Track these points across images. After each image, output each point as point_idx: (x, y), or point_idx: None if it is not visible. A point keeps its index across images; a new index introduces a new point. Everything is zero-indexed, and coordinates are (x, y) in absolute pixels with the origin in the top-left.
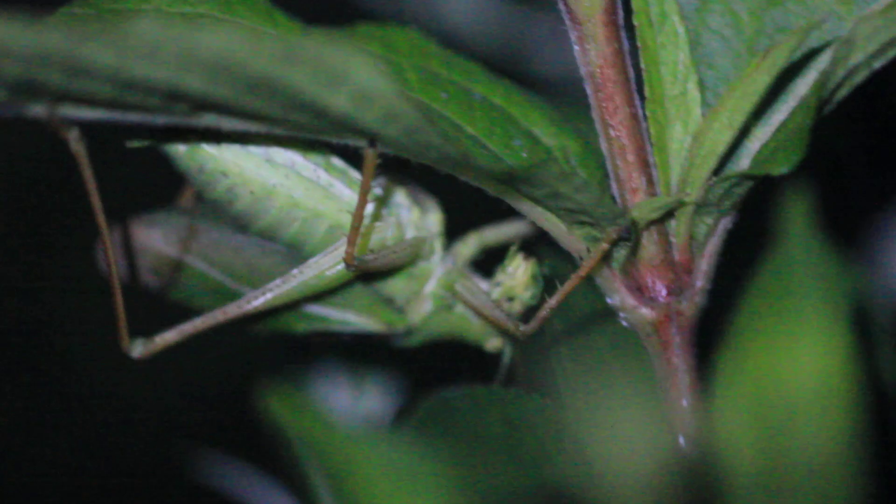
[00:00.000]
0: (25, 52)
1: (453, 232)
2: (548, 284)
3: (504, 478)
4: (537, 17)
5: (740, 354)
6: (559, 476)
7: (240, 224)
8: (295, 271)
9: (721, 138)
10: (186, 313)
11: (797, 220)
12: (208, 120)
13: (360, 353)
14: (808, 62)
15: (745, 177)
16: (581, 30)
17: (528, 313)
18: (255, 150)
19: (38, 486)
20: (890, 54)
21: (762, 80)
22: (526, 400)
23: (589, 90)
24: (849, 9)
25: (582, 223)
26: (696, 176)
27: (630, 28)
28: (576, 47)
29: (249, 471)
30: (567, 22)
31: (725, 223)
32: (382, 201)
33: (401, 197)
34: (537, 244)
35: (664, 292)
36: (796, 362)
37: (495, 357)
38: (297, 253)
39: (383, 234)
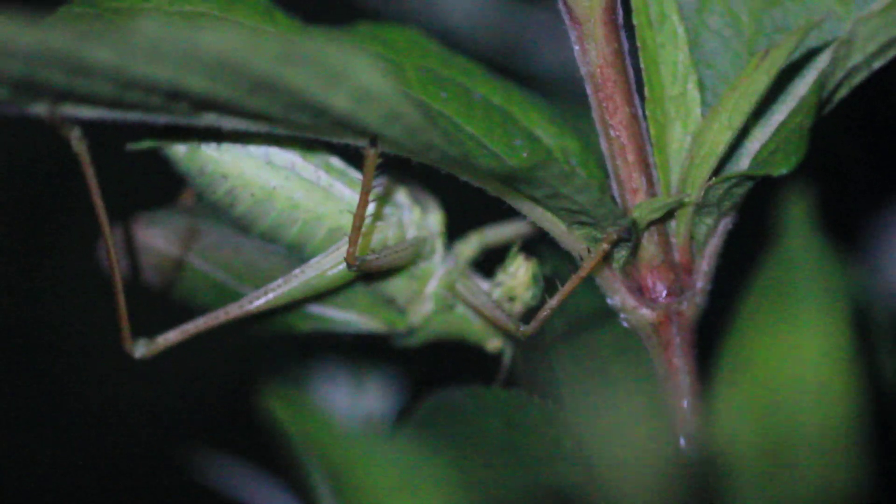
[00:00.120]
0: (28, 52)
1: (454, 232)
2: (548, 285)
3: (505, 478)
4: (536, 16)
5: (741, 355)
6: (560, 477)
7: (241, 227)
8: (297, 271)
9: (721, 138)
10: (188, 313)
11: (797, 221)
12: (209, 119)
13: (361, 352)
14: (808, 62)
15: (744, 177)
16: (581, 29)
17: (529, 313)
18: (255, 153)
19: (39, 487)
20: (889, 55)
21: (762, 80)
22: (527, 401)
23: (589, 90)
24: (847, 9)
25: (582, 223)
26: (695, 176)
27: (630, 28)
28: (576, 47)
29: (251, 471)
30: (567, 21)
31: (725, 223)
32: (384, 201)
33: (402, 197)
34: (538, 244)
35: (664, 293)
36: (797, 363)
37: (496, 357)
38: (298, 254)
39: (384, 234)
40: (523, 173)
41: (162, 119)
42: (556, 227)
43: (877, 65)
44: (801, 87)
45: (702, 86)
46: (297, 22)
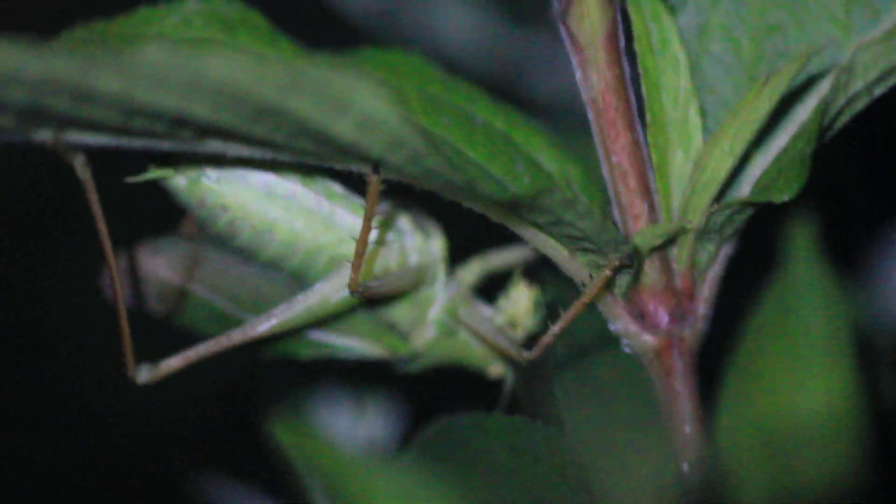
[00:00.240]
0: (33, 80)
1: (456, 257)
2: (550, 311)
3: None
4: (534, 40)
5: (745, 381)
6: (564, 502)
7: (243, 256)
8: (299, 297)
9: (722, 165)
10: (191, 338)
11: (801, 248)
12: (213, 146)
13: (362, 377)
14: (809, 88)
15: (746, 204)
16: (583, 55)
17: (531, 339)
18: (256, 183)
19: None
20: (890, 82)
21: (763, 106)
22: (531, 427)
23: (591, 115)
24: (848, 36)
25: (585, 250)
26: (697, 203)
27: (631, 53)
28: (577, 73)
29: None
30: (569, 47)
31: (727, 249)
32: (386, 227)
33: (404, 222)
34: (540, 270)
35: (666, 319)
36: (801, 388)
37: (497, 383)
38: (300, 280)
39: (387, 260)
40: (526, 200)
41: (166, 145)
42: (558, 253)
43: (878, 91)
44: (803, 112)
45: (703, 111)
46: (300, 47)
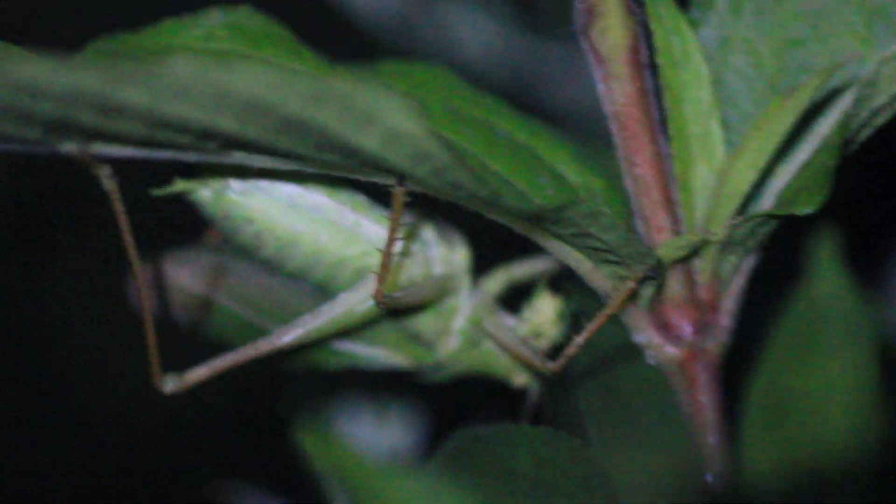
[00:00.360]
0: (60, 93)
1: (480, 268)
2: (574, 321)
3: None
4: (552, 51)
5: (769, 393)
6: None
7: (268, 267)
8: (325, 307)
9: (745, 178)
10: (217, 348)
11: (825, 261)
12: (239, 158)
13: (385, 386)
14: (831, 102)
15: (769, 216)
16: (605, 68)
17: (555, 350)
18: (280, 195)
19: None
20: None
21: (786, 120)
22: (555, 437)
23: (613, 128)
24: (870, 49)
25: (608, 261)
26: (720, 215)
27: (653, 66)
28: (600, 86)
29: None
30: (591, 60)
31: (750, 261)
32: (410, 238)
33: (429, 234)
34: (564, 281)
35: (690, 331)
36: (826, 402)
37: (520, 393)
38: (325, 291)
39: (411, 271)
40: (551, 213)
41: (191, 157)
42: (582, 264)
43: None
44: (825, 126)
45: (725, 124)
46: (323, 60)
